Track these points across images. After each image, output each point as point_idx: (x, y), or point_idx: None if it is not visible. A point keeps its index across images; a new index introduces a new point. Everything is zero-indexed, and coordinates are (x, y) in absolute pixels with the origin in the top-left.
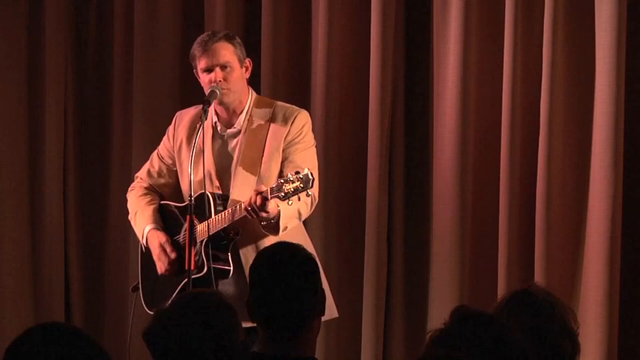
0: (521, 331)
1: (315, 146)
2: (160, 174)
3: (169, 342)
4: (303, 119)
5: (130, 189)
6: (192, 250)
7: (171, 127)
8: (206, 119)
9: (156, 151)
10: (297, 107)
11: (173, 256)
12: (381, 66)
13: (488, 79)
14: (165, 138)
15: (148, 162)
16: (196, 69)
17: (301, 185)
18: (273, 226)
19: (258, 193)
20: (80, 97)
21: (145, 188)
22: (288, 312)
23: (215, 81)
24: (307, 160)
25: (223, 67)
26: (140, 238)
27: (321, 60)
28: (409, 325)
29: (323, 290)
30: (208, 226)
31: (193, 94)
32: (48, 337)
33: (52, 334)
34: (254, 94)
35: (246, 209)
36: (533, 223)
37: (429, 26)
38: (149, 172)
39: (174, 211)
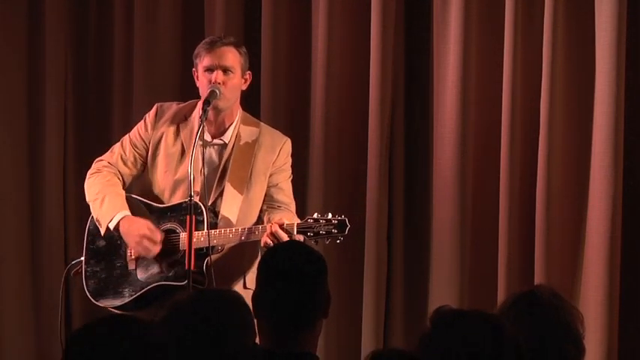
0: (525, 333)
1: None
2: (131, 163)
3: (183, 334)
4: (289, 147)
5: (93, 171)
6: (193, 251)
7: (150, 118)
8: (206, 119)
9: (127, 139)
10: (281, 133)
11: (162, 237)
12: (381, 66)
13: (488, 79)
14: (141, 126)
15: (118, 148)
16: (197, 67)
17: (335, 230)
18: None
19: (281, 225)
20: (80, 96)
21: (114, 174)
22: (295, 309)
23: (214, 82)
24: (290, 189)
25: (225, 71)
26: (105, 221)
27: (321, 60)
28: (409, 325)
29: (329, 292)
30: (208, 236)
31: (193, 94)
32: (112, 330)
33: (116, 327)
34: (241, 110)
35: (268, 236)
36: (533, 223)
37: (429, 26)
38: (121, 159)
39: (146, 209)
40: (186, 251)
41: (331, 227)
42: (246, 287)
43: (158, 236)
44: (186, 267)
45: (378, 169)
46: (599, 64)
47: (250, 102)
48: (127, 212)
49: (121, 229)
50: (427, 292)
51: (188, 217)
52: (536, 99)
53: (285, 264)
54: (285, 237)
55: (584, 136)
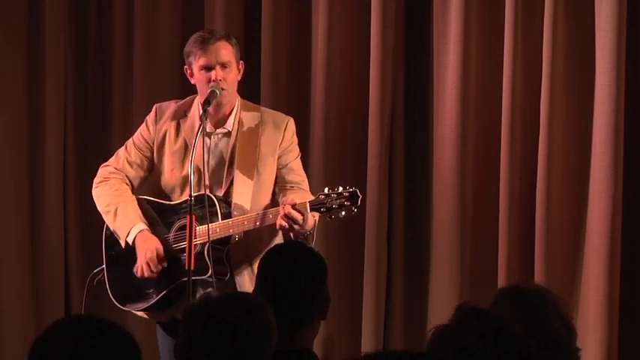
0: (515, 322)
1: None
2: (138, 165)
3: (211, 327)
4: (293, 126)
5: (100, 180)
6: (193, 249)
7: (151, 119)
8: (206, 119)
9: (131, 142)
10: (283, 114)
11: (164, 265)
12: (381, 66)
13: (488, 79)
14: (143, 128)
15: (123, 152)
16: (190, 66)
17: (348, 202)
18: (306, 237)
19: (293, 205)
20: (80, 97)
21: (121, 180)
22: (294, 309)
23: (215, 79)
24: (301, 167)
25: (223, 67)
26: (123, 235)
27: (321, 60)
28: (409, 325)
29: (328, 293)
30: (208, 228)
31: (193, 93)
32: (78, 330)
33: (82, 327)
34: (239, 97)
35: (282, 218)
36: (533, 223)
37: (429, 26)
38: (127, 162)
39: (157, 208)
40: (187, 251)
41: (343, 200)
42: None
43: (159, 267)
44: (186, 267)
45: (378, 169)
46: (599, 64)
47: (250, 101)
48: (142, 226)
49: (136, 245)
50: (427, 292)
51: (188, 216)
52: (536, 99)
53: (285, 264)
54: (299, 216)
55: (584, 136)
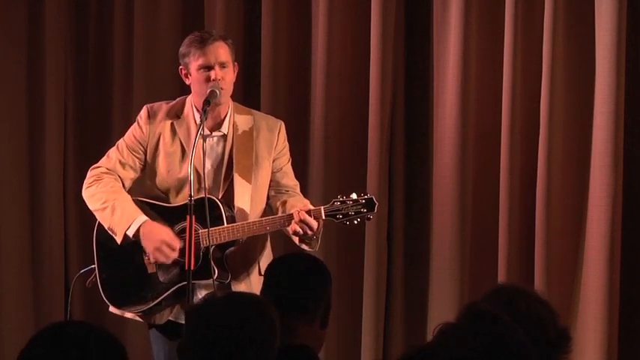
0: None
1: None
2: (130, 166)
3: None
4: (284, 130)
5: (92, 180)
6: (192, 250)
7: (143, 119)
8: (206, 119)
9: (123, 143)
10: (274, 117)
11: (179, 245)
12: (381, 66)
13: (488, 79)
14: (135, 129)
15: (115, 153)
16: (187, 66)
17: (364, 209)
18: (312, 241)
19: (307, 211)
20: (80, 97)
21: (115, 180)
22: (295, 310)
23: (215, 79)
24: (292, 171)
25: (222, 66)
26: (122, 229)
27: (321, 60)
28: (409, 326)
29: (330, 302)
30: (207, 232)
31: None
32: (63, 337)
33: (67, 333)
34: (231, 100)
35: (297, 224)
36: (533, 223)
37: (429, 26)
38: (120, 163)
39: (154, 210)
40: (187, 251)
41: (360, 207)
42: (261, 274)
43: (177, 244)
44: (186, 267)
45: (378, 169)
46: (599, 64)
47: (251, 101)
48: (145, 217)
49: (142, 235)
50: (427, 292)
51: (188, 217)
52: (536, 99)
53: (290, 275)
54: (314, 223)
55: (584, 136)
